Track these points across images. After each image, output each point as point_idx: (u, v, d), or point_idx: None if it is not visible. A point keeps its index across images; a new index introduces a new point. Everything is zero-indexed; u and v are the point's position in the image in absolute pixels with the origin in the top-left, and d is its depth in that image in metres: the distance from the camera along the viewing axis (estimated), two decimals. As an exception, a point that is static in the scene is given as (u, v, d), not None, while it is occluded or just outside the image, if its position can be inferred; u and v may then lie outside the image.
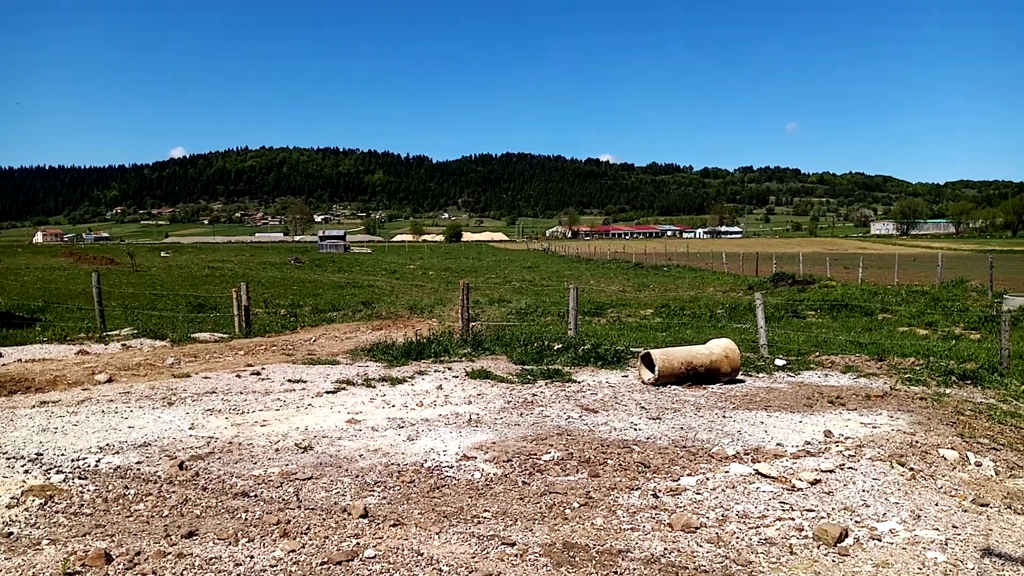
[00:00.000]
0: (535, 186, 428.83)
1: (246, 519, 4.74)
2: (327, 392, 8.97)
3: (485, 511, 4.96)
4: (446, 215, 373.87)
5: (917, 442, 6.64)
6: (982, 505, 5.11)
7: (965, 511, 4.95)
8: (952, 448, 6.46)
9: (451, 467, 5.99)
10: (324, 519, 4.75)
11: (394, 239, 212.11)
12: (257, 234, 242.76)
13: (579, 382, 9.86)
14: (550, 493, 5.36)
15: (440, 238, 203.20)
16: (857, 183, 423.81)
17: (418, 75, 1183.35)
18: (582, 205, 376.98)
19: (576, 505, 5.09)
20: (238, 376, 9.94)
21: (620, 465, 6.07)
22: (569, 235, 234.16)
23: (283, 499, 5.16)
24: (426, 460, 6.16)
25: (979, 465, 6.17)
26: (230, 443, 6.61)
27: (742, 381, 10.00)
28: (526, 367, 10.76)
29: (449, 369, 10.65)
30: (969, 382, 9.79)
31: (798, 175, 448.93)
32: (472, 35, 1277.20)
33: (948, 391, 9.30)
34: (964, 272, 31.77)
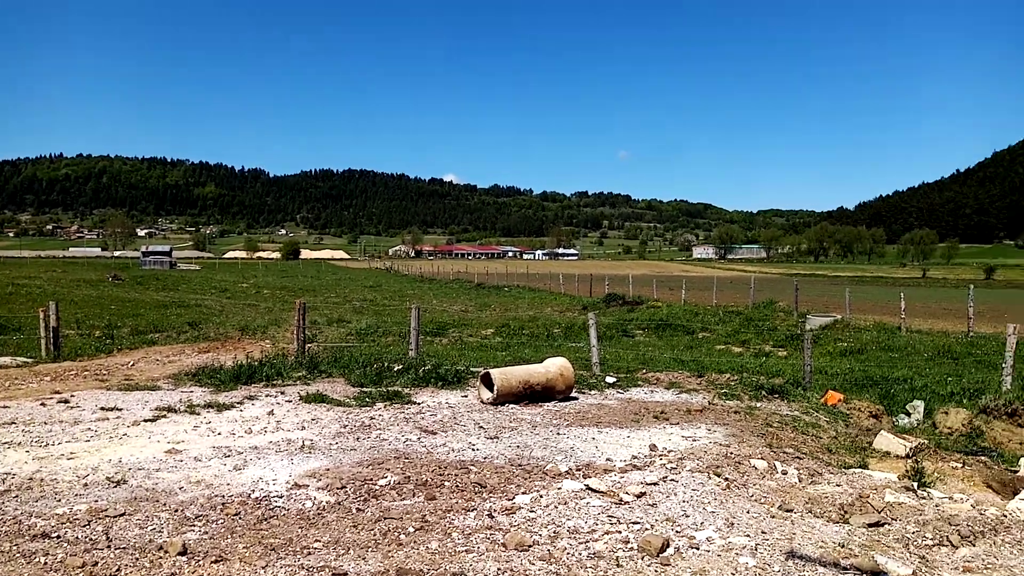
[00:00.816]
0: (378, 204, 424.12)
1: (46, 563, 4.27)
2: (145, 420, 8.32)
3: (316, 541, 4.78)
4: (283, 231, 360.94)
5: (731, 453, 7.16)
6: (787, 511, 5.58)
7: (773, 517, 5.38)
8: (762, 458, 7.02)
9: (281, 497, 5.73)
10: (137, 559, 4.38)
11: (226, 256, 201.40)
12: (71, 248, 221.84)
13: (419, 403, 9.79)
14: (385, 519, 5.26)
15: (277, 255, 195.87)
16: (681, 210, 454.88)
17: (254, 84, 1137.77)
18: (426, 224, 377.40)
19: (411, 530, 5.02)
20: (43, 405, 9.01)
21: (457, 486, 6.08)
22: (412, 254, 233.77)
23: (90, 539, 4.70)
24: (253, 490, 5.86)
25: (785, 473, 6.75)
26: (30, 479, 5.95)
27: (576, 398, 10.36)
28: (364, 389, 10.54)
29: (282, 393, 10.23)
30: (777, 396, 10.71)
31: (629, 201, 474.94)
32: (313, 46, 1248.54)
33: (759, 404, 10.12)
34: (773, 294, 34.85)
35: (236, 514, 5.28)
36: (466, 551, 4.64)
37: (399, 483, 6.12)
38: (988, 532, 5.46)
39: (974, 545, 5.30)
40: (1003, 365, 11.35)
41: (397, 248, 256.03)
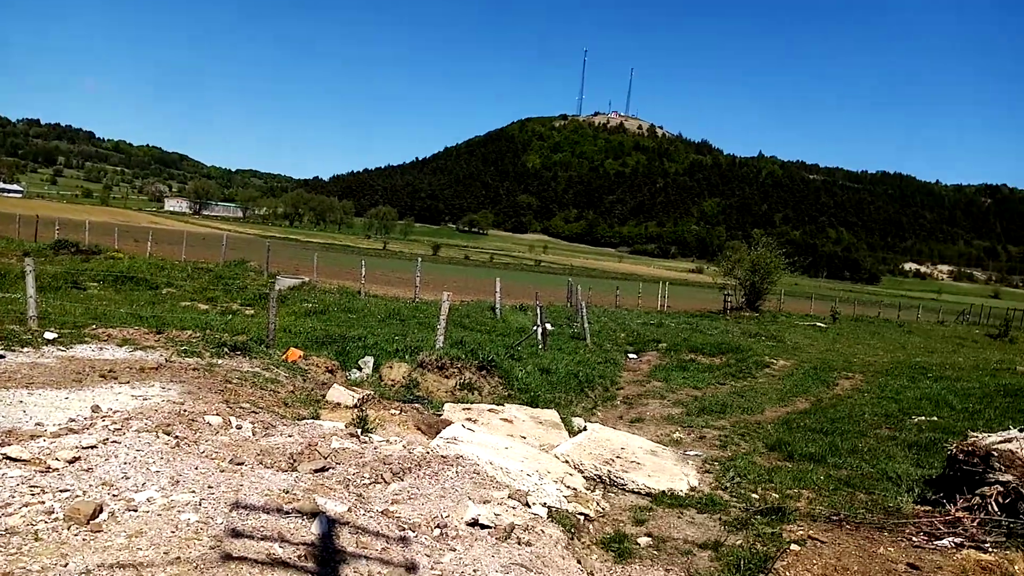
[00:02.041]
0: None
1: None
2: None
3: None
4: None
5: (185, 411, 6.87)
6: (238, 464, 5.59)
7: (223, 471, 5.33)
8: (218, 414, 6.91)
9: None
10: None
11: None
12: None
13: None
14: None
15: None
16: (154, 157, 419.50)
17: None
18: None
19: None
20: None
21: None
22: None
23: None
24: None
25: (240, 428, 6.76)
26: None
27: (2, 356, 8.70)
28: None
29: None
30: (239, 353, 10.65)
31: (92, 138, 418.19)
32: None
33: (220, 361, 9.93)
34: (247, 254, 34.71)
35: None
36: None
37: None
38: (414, 467, 6.34)
39: (403, 480, 6.11)
40: (437, 326, 13.31)
41: None
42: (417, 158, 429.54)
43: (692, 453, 9.13)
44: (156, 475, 5.05)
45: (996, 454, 7.15)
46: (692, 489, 7.45)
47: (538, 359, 14.35)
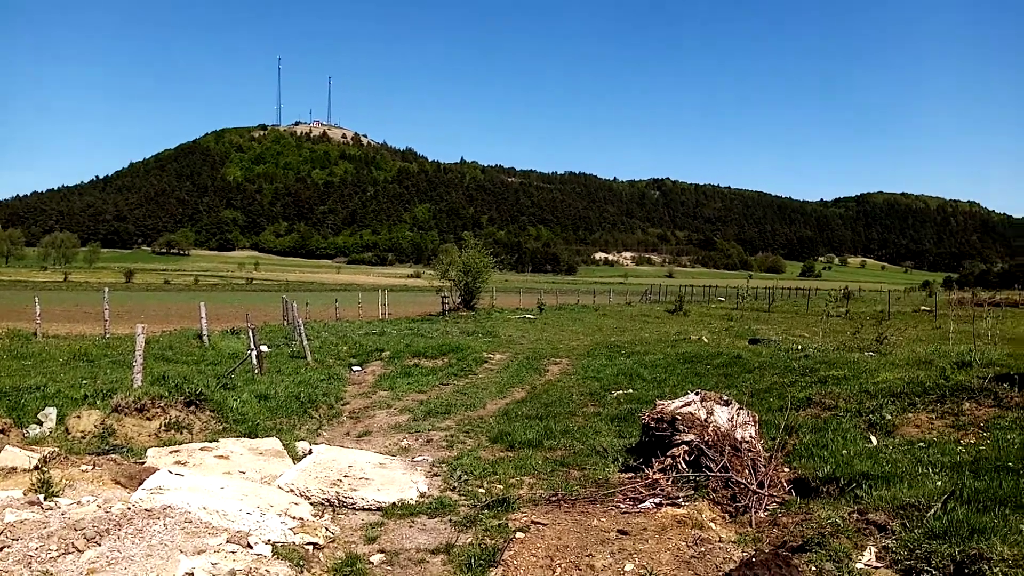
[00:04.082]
0: None
1: None
2: None
3: None
4: None
5: None
6: None
7: None
8: None
9: None
10: None
11: None
12: None
13: None
14: None
15: None
16: None
17: None
18: None
19: None
20: None
21: None
22: None
23: None
24: None
25: None
26: None
27: None
28: None
29: None
30: None
31: None
32: None
33: None
34: None
35: None
36: None
37: None
38: (113, 528, 5.59)
39: (100, 545, 5.34)
40: (134, 363, 11.94)
41: None
42: (98, 176, 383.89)
43: (420, 459, 9.22)
44: None
45: (680, 417, 8.19)
46: (422, 495, 7.51)
47: (255, 385, 13.55)
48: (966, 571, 4.59)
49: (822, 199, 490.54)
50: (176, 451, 8.92)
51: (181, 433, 10.33)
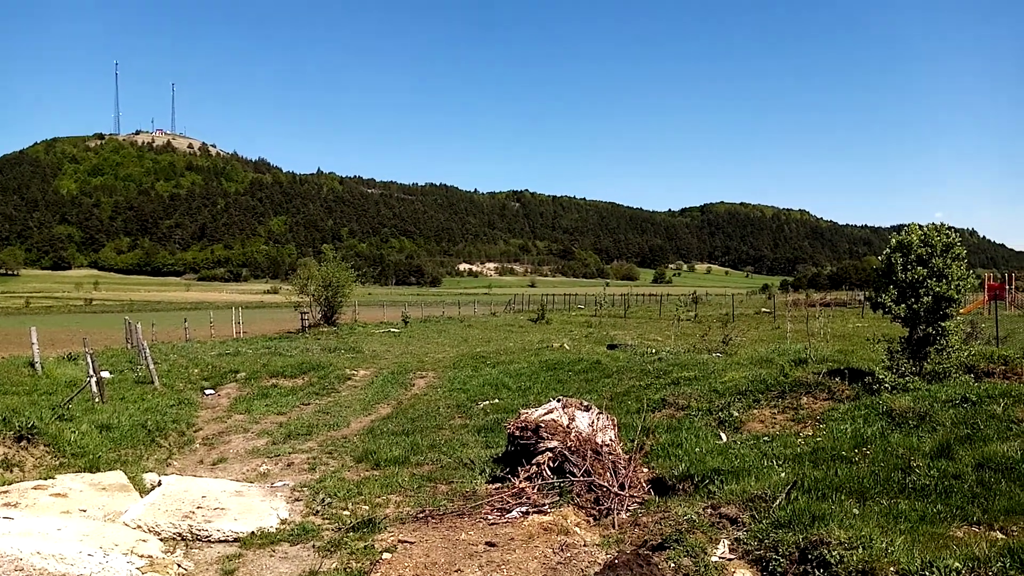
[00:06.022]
0: None
1: None
2: None
3: None
4: None
5: None
6: None
7: None
8: None
9: None
10: None
11: None
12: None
13: None
14: None
15: None
16: None
17: None
18: None
19: None
20: None
21: None
22: None
23: None
24: None
25: None
26: None
27: None
28: None
29: None
30: None
31: None
32: None
33: None
34: None
35: None
36: None
37: None
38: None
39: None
40: (-55, 399, 10.70)
41: None
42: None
43: (281, 484, 8.84)
44: None
45: (543, 425, 8.34)
46: (283, 522, 7.20)
47: (95, 415, 12.50)
48: (809, 556, 4.97)
49: (670, 209, 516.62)
50: (5, 492, 8.07)
51: (11, 472, 9.36)
